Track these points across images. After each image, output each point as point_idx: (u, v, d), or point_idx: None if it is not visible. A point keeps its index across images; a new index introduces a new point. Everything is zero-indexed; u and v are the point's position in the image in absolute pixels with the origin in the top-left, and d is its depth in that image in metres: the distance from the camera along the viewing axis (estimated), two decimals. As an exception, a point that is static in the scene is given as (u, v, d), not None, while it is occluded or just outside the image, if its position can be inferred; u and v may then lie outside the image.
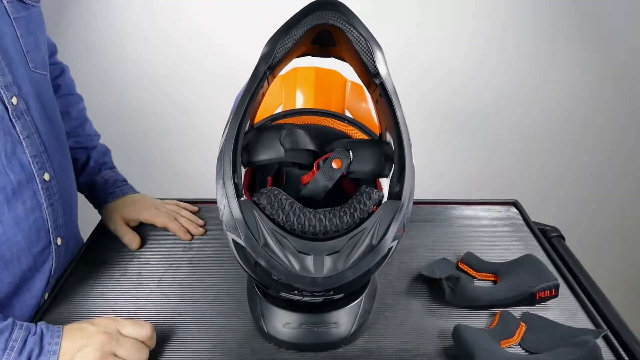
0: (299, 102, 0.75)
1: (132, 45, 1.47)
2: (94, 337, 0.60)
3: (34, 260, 0.71)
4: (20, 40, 0.69)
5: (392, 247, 0.56)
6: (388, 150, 0.61)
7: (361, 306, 0.65)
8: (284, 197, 0.55)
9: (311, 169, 0.61)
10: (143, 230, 0.88)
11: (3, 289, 0.68)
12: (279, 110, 0.74)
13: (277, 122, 0.69)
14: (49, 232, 0.73)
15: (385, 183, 0.60)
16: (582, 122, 1.57)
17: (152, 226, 0.88)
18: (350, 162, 0.59)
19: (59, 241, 0.75)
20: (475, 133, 1.58)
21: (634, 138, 1.58)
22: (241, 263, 0.58)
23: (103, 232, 0.88)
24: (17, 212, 0.67)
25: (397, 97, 0.59)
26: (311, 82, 0.76)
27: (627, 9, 1.42)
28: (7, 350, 0.57)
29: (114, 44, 1.46)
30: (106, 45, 1.47)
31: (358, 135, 0.69)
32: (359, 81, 0.66)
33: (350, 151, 0.60)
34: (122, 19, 1.42)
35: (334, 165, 0.59)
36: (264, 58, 0.57)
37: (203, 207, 0.94)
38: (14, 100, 0.67)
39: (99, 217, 0.91)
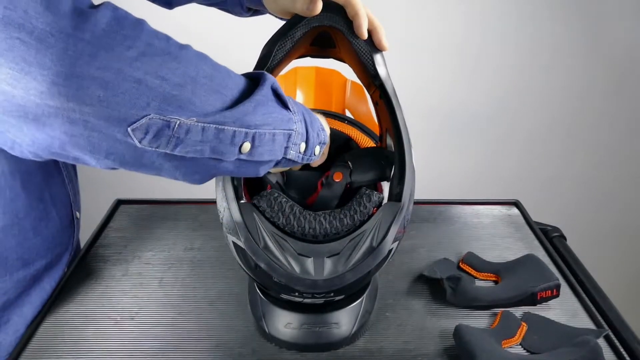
0: (299, 102, 0.75)
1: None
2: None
3: (64, 236, 0.73)
4: None
5: (392, 248, 0.56)
6: (387, 154, 0.61)
7: (362, 306, 0.65)
8: (284, 199, 0.55)
9: (310, 169, 0.61)
10: (143, 229, 0.88)
11: (36, 265, 0.69)
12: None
13: None
14: (71, 206, 0.75)
15: (385, 185, 0.61)
16: (583, 122, 1.56)
17: (154, 225, 0.88)
18: (351, 171, 0.60)
19: (77, 214, 0.77)
20: (476, 133, 1.57)
21: (635, 138, 1.58)
22: (241, 265, 0.58)
23: (104, 232, 0.88)
24: (53, 189, 0.69)
25: (397, 99, 0.58)
26: (311, 82, 0.76)
27: (628, 8, 1.42)
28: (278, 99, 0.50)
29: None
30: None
31: (358, 135, 0.69)
32: (359, 81, 0.66)
33: (349, 162, 0.60)
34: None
35: (335, 178, 0.59)
36: (262, 60, 0.57)
37: (203, 207, 0.94)
38: None
39: (99, 218, 0.91)
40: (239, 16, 0.77)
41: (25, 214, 0.65)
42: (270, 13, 0.68)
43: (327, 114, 0.70)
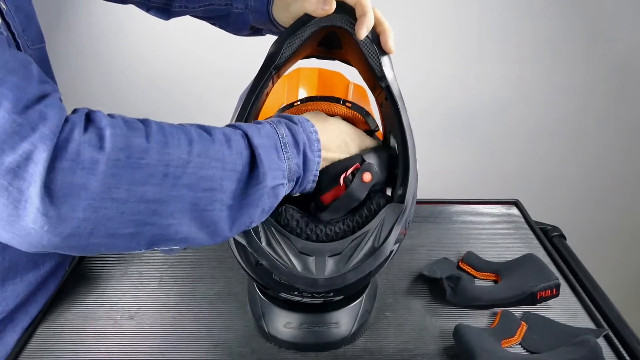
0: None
1: (134, 43, 1.47)
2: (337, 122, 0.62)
3: None
4: (15, 19, 0.63)
5: (393, 249, 0.56)
6: (393, 152, 0.61)
7: (362, 306, 0.65)
8: (285, 207, 0.55)
9: None
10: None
11: (46, 266, 0.70)
12: (280, 110, 0.74)
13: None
14: None
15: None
16: (583, 122, 1.56)
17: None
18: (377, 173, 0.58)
19: None
20: (476, 132, 1.57)
21: (635, 138, 1.58)
22: (241, 263, 0.58)
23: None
24: None
25: (403, 101, 0.58)
26: (314, 83, 0.76)
27: (627, 9, 1.42)
28: (284, 149, 0.52)
29: (114, 42, 1.46)
30: (107, 44, 1.46)
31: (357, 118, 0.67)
32: (361, 83, 0.66)
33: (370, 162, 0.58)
34: (123, 16, 1.42)
35: (365, 178, 0.57)
36: (270, 57, 0.57)
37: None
38: None
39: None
40: (235, 34, 0.74)
41: None
42: (274, 31, 0.67)
43: (328, 99, 0.67)
